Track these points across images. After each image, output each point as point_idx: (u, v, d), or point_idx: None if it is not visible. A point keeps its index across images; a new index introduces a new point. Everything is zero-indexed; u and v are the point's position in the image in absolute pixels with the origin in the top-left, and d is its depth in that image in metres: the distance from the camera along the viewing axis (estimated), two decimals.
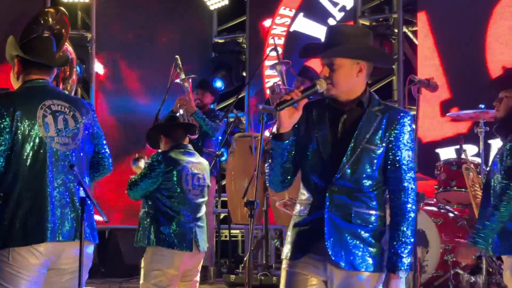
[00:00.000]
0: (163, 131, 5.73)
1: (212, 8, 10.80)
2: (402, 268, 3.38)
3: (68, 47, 5.19)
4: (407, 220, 3.41)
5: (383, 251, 3.41)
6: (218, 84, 10.28)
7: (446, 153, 8.62)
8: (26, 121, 3.83)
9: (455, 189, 7.14)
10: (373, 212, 3.41)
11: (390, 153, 3.42)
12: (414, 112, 4.93)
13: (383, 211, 3.45)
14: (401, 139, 3.42)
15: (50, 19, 4.97)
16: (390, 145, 3.42)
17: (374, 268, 3.39)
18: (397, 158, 3.41)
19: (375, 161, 3.40)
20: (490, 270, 6.93)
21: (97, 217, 4.05)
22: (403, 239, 3.39)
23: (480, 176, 6.94)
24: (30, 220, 3.77)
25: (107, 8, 10.16)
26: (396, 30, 9.54)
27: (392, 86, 9.97)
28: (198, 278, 5.67)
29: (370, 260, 3.38)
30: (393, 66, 9.57)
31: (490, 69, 8.67)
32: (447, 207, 7.43)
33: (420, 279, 6.42)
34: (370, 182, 3.41)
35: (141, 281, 5.47)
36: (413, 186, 3.44)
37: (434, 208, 7.38)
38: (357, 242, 3.37)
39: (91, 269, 4.02)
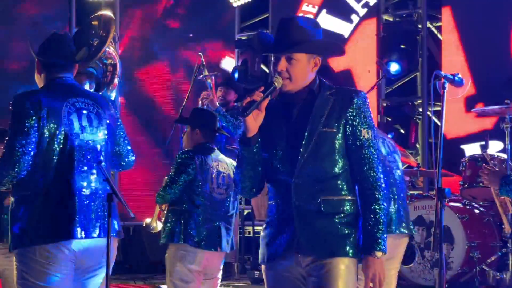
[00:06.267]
0: (201, 125, 5.60)
1: (235, 5, 10.79)
2: (378, 248, 3.30)
3: (113, 52, 5.16)
4: (377, 198, 3.32)
5: (358, 236, 3.33)
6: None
7: (471, 149, 8.56)
8: (52, 119, 3.84)
9: (481, 185, 7.07)
10: (342, 197, 3.34)
11: (350, 133, 3.36)
12: (439, 108, 4.88)
13: (354, 195, 3.37)
14: (357, 117, 3.36)
15: (98, 27, 4.95)
16: (348, 125, 3.36)
17: (350, 254, 3.31)
18: (357, 137, 3.35)
19: (336, 144, 3.35)
20: None
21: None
22: (375, 218, 3.31)
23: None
24: (58, 218, 3.79)
25: (130, 5, 10.20)
26: (420, 26, 9.48)
27: (416, 82, 9.91)
28: (220, 275, 5.67)
29: (345, 247, 3.31)
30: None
31: None
32: (473, 203, 7.38)
33: (446, 276, 6.37)
34: (334, 166, 3.34)
35: (167, 278, 5.49)
36: (377, 164, 3.36)
37: (459, 205, 7.33)
38: (330, 230, 3.30)
39: (116, 265, 4.04)
